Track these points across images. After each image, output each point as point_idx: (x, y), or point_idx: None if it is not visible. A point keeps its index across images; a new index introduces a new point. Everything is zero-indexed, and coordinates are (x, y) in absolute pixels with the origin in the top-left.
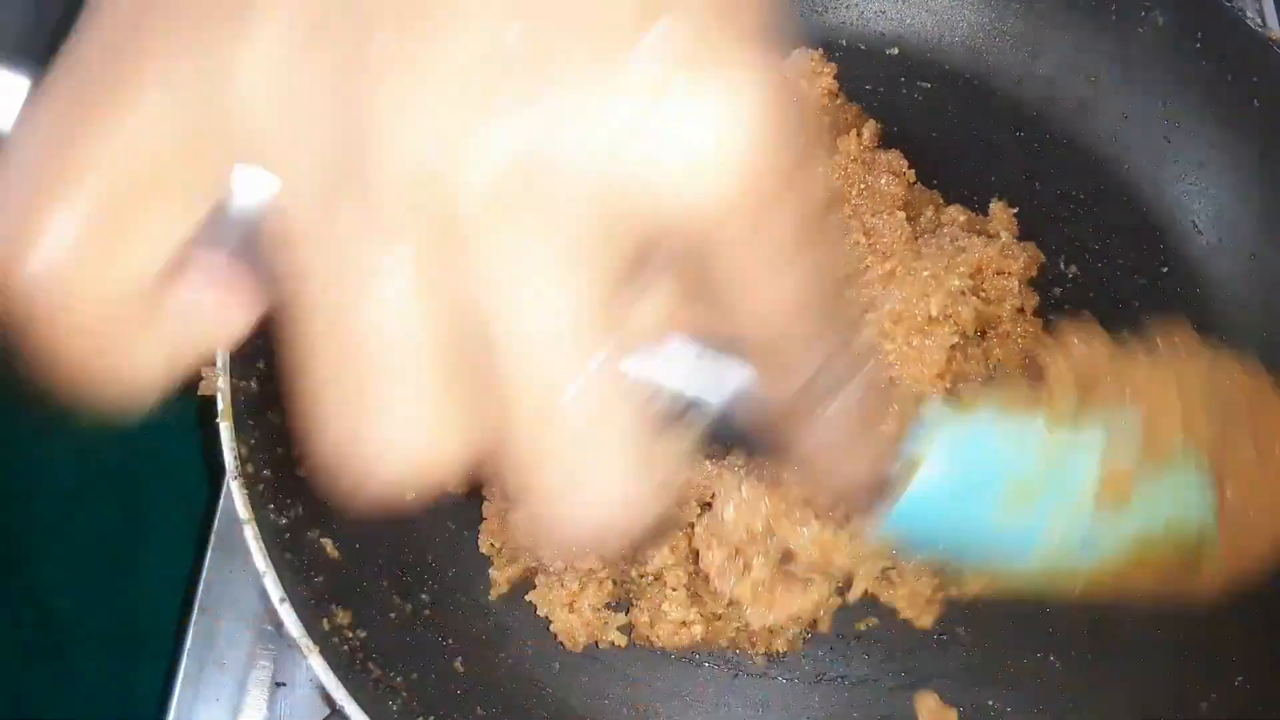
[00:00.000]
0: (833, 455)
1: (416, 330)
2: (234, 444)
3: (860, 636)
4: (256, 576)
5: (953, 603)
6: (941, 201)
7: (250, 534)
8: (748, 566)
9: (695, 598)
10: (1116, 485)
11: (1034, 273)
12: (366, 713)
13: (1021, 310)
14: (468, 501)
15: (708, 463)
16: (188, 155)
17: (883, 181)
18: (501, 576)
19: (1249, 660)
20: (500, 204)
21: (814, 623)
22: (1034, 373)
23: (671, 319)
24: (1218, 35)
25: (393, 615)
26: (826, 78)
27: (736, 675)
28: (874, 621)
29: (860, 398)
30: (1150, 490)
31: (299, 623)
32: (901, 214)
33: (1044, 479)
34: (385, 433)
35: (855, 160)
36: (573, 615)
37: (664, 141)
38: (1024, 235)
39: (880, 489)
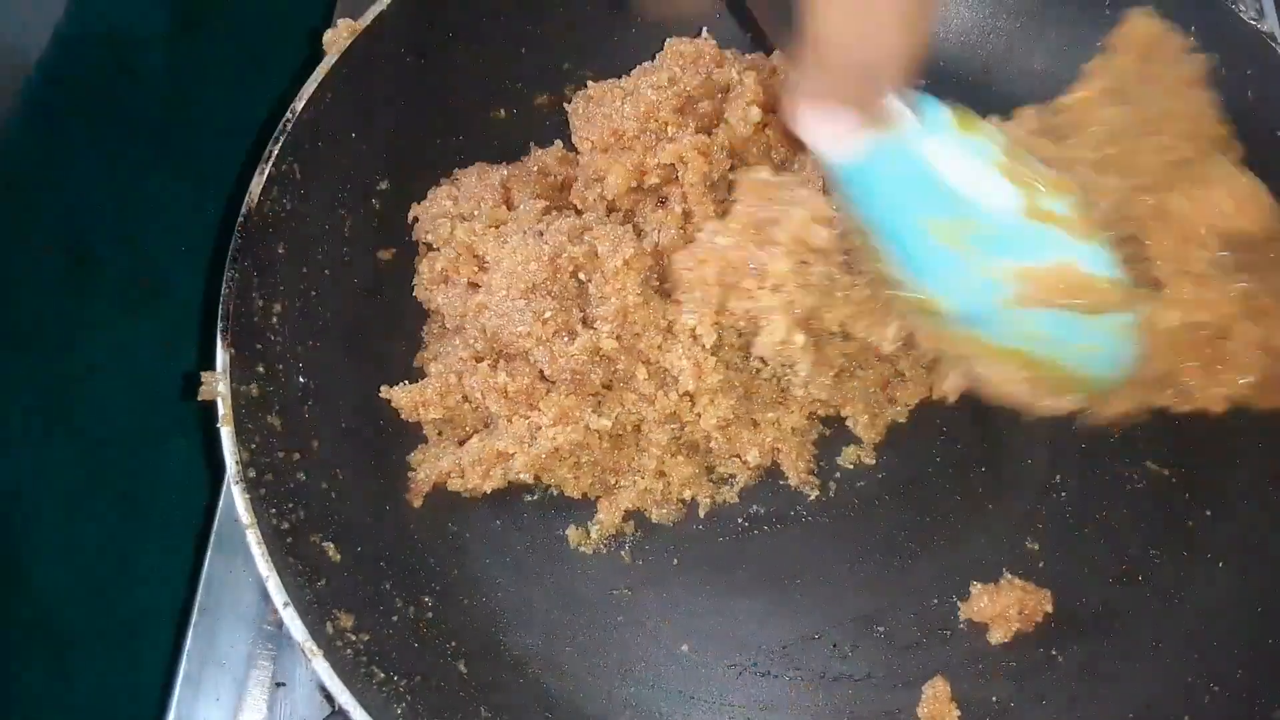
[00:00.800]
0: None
1: None
2: (235, 448)
3: (861, 635)
4: (258, 578)
5: (952, 603)
6: None
7: (253, 538)
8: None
9: None
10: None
11: None
12: (372, 717)
13: None
14: (468, 503)
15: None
16: None
17: None
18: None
19: (1250, 656)
20: None
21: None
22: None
23: None
24: (1212, 29)
25: (395, 619)
26: None
27: (740, 674)
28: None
29: None
30: (1074, 320)
31: (303, 627)
32: None
33: (985, 228)
34: None
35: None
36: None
37: None
38: None
39: (863, 114)
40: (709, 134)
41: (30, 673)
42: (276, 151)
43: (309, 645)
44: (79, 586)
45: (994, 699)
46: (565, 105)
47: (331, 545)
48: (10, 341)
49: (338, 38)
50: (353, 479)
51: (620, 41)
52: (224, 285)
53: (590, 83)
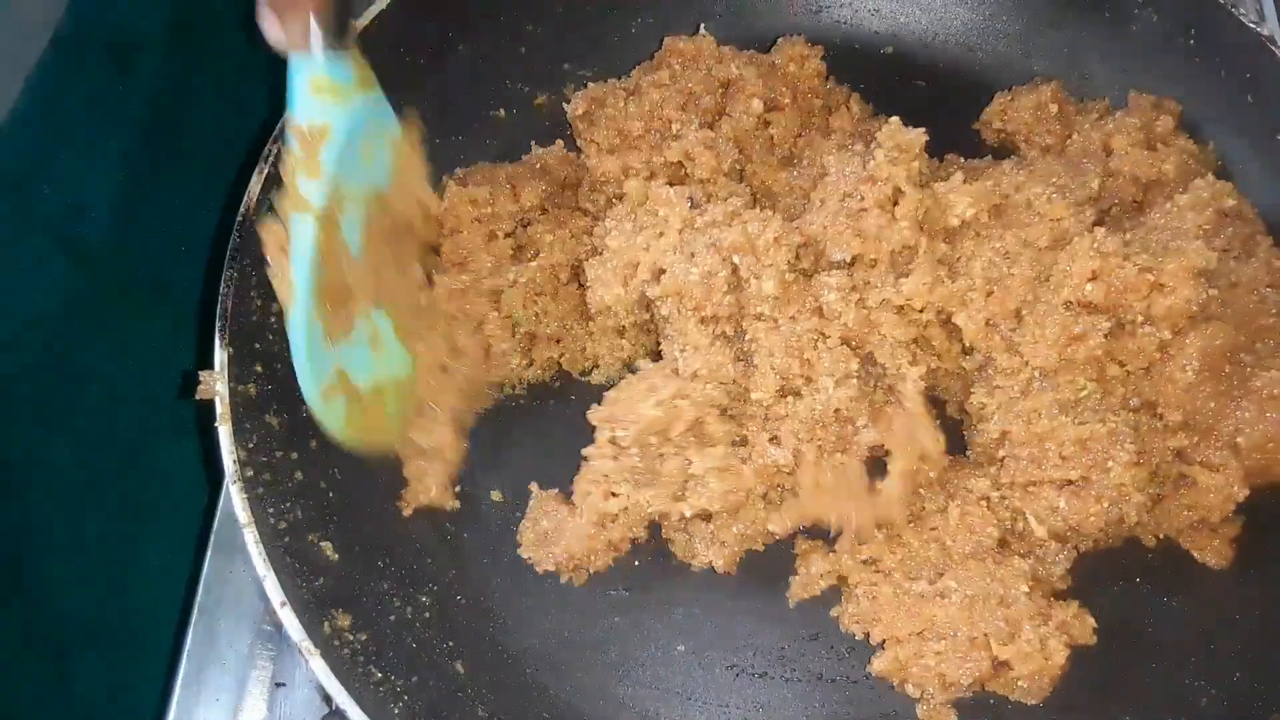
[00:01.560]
0: None
1: None
2: (233, 448)
3: (859, 637)
4: (257, 579)
5: None
6: None
7: (250, 538)
8: None
9: None
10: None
11: None
12: (370, 716)
13: None
14: (467, 504)
15: None
16: None
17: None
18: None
19: (1248, 659)
20: None
21: None
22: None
23: None
24: (1211, 32)
25: (393, 618)
26: (814, 60)
27: (737, 675)
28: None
29: None
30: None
31: (300, 626)
32: None
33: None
34: None
35: (850, 134)
36: None
37: None
38: None
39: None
40: (712, 129)
41: (30, 673)
42: (276, 150)
43: (306, 644)
44: (80, 587)
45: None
46: (565, 105)
47: (329, 544)
48: (10, 342)
49: None
50: (350, 478)
51: (620, 41)
52: (222, 284)
53: (590, 84)
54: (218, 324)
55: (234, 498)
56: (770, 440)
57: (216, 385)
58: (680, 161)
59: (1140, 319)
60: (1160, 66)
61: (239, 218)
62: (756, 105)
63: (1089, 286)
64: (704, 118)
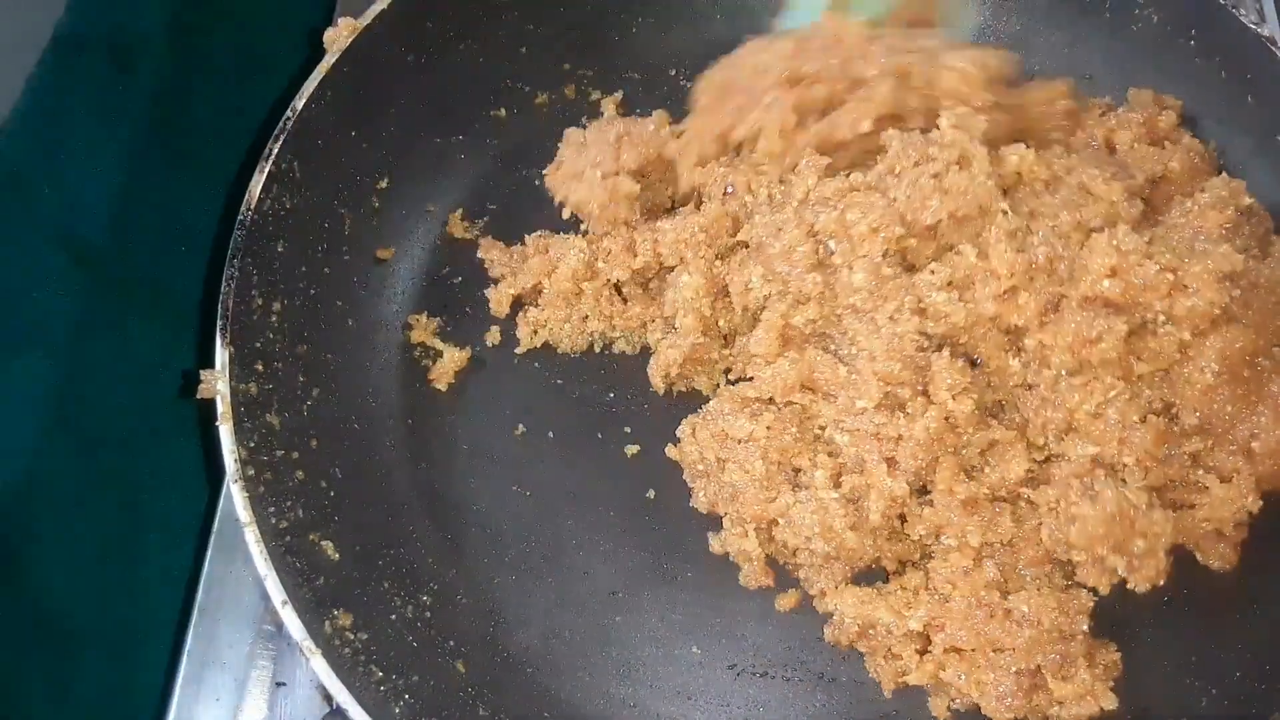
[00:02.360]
0: None
1: None
2: (234, 447)
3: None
4: (258, 579)
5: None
6: None
7: (251, 537)
8: None
9: None
10: None
11: None
12: (370, 716)
13: None
14: (466, 503)
15: None
16: None
17: None
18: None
19: (1247, 658)
20: None
21: None
22: None
23: None
24: (1212, 32)
25: (394, 617)
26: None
27: (738, 675)
28: None
29: None
30: None
31: (301, 626)
32: None
33: None
34: None
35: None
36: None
37: None
38: None
39: None
40: (803, 120)
41: (31, 673)
42: (276, 150)
43: (307, 644)
44: (80, 587)
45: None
46: (564, 105)
47: (330, 544)
48: (10, 341)
49: (338, 36)
50: (351, 478)
51: (620, 41)
52: (223, 283)
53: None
54: (219, 323)
55: (235, 497)
56: (888, 465)
57: (217, 384)
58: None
59: (1161, 318)
60: (1161, 66)
61: (240, 216)
62: (866, 126)
63: (1107, 283)
64: (803, 105)
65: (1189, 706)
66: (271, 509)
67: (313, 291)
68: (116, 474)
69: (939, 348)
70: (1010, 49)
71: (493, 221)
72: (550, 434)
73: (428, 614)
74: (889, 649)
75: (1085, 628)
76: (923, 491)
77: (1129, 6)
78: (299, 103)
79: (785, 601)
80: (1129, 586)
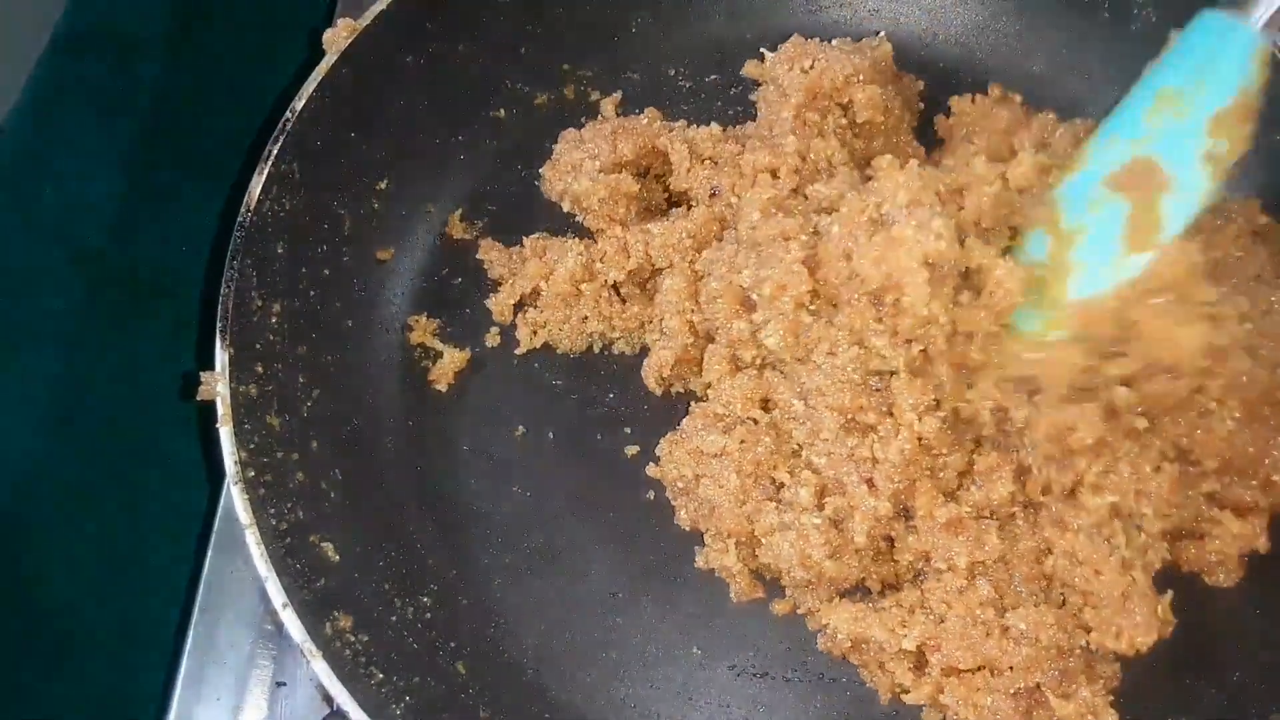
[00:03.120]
0: None
1: None
2: (234, 449)
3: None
4: (258, 579)
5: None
6: None
7: (252, 539)
8: None
9: None
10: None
11: None
12: (371, 717)
13: None
14: (467, 503)
15: None
16: None
17: None
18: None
19: (1247, 658)
20: None
21: None
22: None
23: None
24: None
25: (394, 619)
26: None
27: (739, 675)
28: None
29: None
30: None
31: (302, 628)
32: None
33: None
34: None
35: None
36: None
37: None
38: None
39: None
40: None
41: (31, 673)
42: (276, 151)
43: (308, 646)
44: (80, 587)
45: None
46: (564, 105)
47: (330, 545)
48: (11, 341)
49: (337, 37)
50: (351, 479)
51: (620, 40)
52: (223, 285)
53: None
54: (218, 324)
55: (235, 499)
56: (868, 485)
57: (218, 386)
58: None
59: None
60: None
61: (239, 217)
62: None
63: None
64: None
65: (1189, 706)
66: (272, 511)
67: (312, 293)
68: (116, 474)
69: (892, 373)
70: (1010, 49)
71: (492, 222)
72: (550, 434)
73: (428, 615)
74: (882, 664)
75: (1084, 642)
76: (907, 515)
77: (1128, 6)
78: (298, 104)
79: (781, 607)
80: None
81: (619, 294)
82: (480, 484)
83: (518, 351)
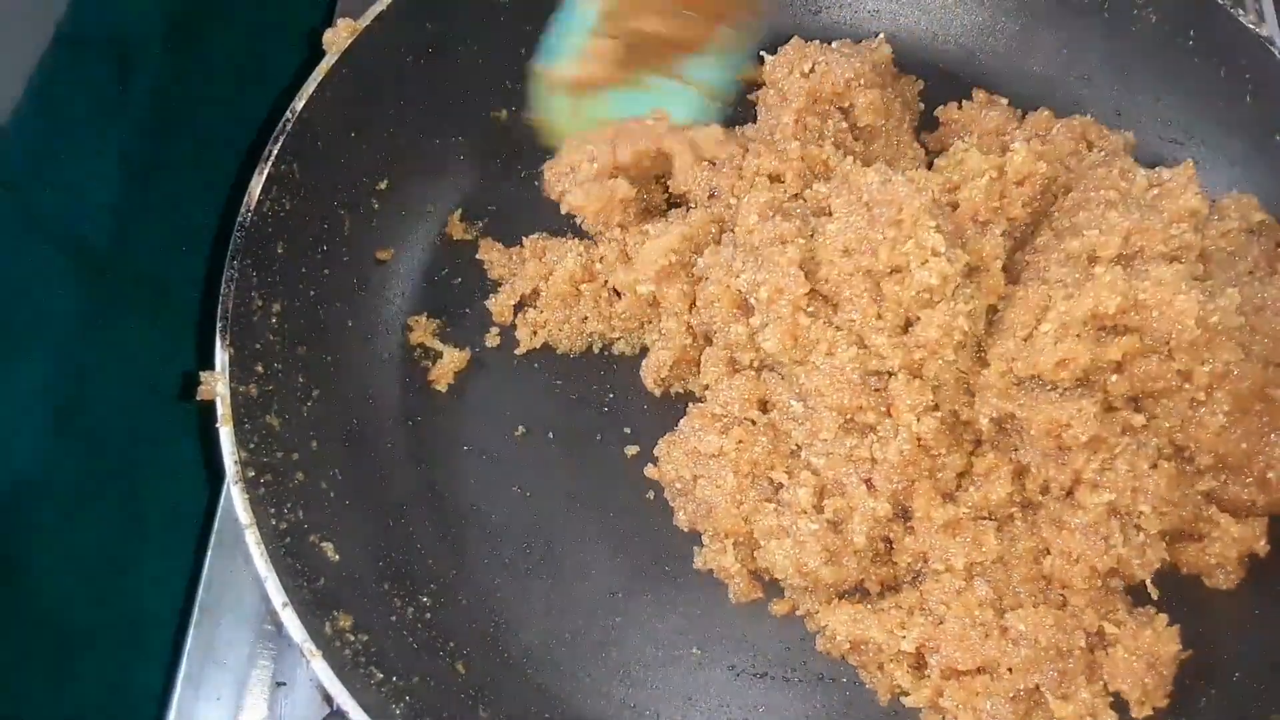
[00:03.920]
0: None
1: None
2: (234, 449)
3: None
4: (258, 578)
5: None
6: None
7: (252, 539)
8: None
9: None
10: None
11: None
12: (371, 717)
13: None
14: (467, 503)
15: None
16: None
17: None
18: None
19: (1247, 658)
20: None
21: None
22: None
23: None
24: (1210, 32)
25: (394, 618)
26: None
27: (738, 676)
28: None
29: None
30: None
31: (302, 627)
32: None
33: None
34: None
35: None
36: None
37: None
38: None
39: None
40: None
41: (31, 673)
42: (276, 151)
43: (308, 645)
44: (80, 586)
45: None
46: None
47: (330, 545)
48: (11, 341)
49: (337, 37)
50: (351, 479)
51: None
52: (223, 285)
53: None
54: (218, 324)
55: (235, 499)
56: (867, 486)
57: (218, 386)
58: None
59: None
60: (1160, 67)
61: (239, 218)
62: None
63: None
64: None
65: (1189, 706)
66: (272, 510)
67: (312, 293)
68: (116, 474)
69: (890, 373)
70: (1010, 49)
71: (492, 222)
72: (550, 435)
73: (428, 615)
74: (881, 664)
75: (1083, 643)
76: (905, 515)
77: (1127, 6)
78: (298, 104)
79: (780, 607)
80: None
81: (619, 294)
82: (480, 484)
83: (518, 352)
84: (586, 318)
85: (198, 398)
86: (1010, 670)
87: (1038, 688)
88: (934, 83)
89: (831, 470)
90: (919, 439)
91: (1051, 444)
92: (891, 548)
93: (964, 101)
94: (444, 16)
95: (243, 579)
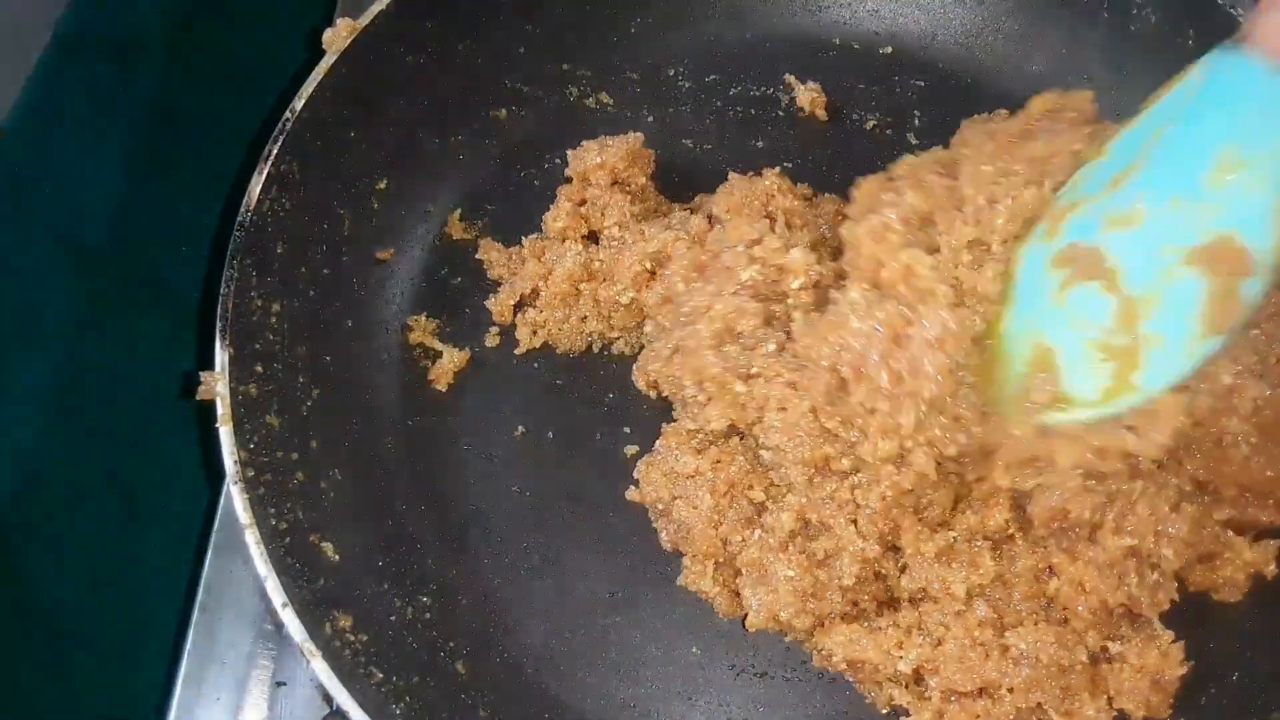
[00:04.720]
0: None
1: None
2: (234, 449)
3: None
4: (258, 578)
5: None
6: None
7: (251, 539)
8: None
9: None
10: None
11: None
12: (370, 717)
13: None
14: (466, 503)
15: None
16: None
17: None
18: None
19: (1246, 657)
20: None
21: None
22: None
23: None
24: (1211, 31)
25: (394, 619)
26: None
27: (739, 675)
28: None
29: None
30: None
31: (302, 628)
32: None
33: None
34: None
35: None
36: None
37: None
38: None
39: None
40: None
41: (30, 673)
42: (276, 151)
43: (308, 645)
44: (79, 586)
45: None
46: (563, 105)
47: (330, 545)
48: (11, 341)
49: (337, 37)
50: (351, 478)
51: (619, 41)
52: (223, 284)
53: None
54: (218, 324)
55: (235, 498)
56: (854, 526)
57: (217, 386)
58: None
59: None
60: (1160, 66)
61: (239, 217)
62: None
63: None
64: None
65: (1189, 706)
66: (272, 510)
67: (312, 292)
68: (116, 474)
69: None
70: (1010, 49)
71: (492, 222)
72: (550, 434)
73: (428, 615)
74: (877, 683)
75: (1085, 657)
76: (897, 550)
77: (1127, 6)
78: (298, 103)
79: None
80: None
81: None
82: (480, 484)
83: (517, 351)
84: (586, 317)
85: (197, 397)
86: (1011, 690)
87: (1040, 705)
88: (934, 83)
89: (814, 512)
90: (899, 487)
91: (1056, 524)
92: (885, 579)
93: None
94: (444, 16)
95: (242, 579)
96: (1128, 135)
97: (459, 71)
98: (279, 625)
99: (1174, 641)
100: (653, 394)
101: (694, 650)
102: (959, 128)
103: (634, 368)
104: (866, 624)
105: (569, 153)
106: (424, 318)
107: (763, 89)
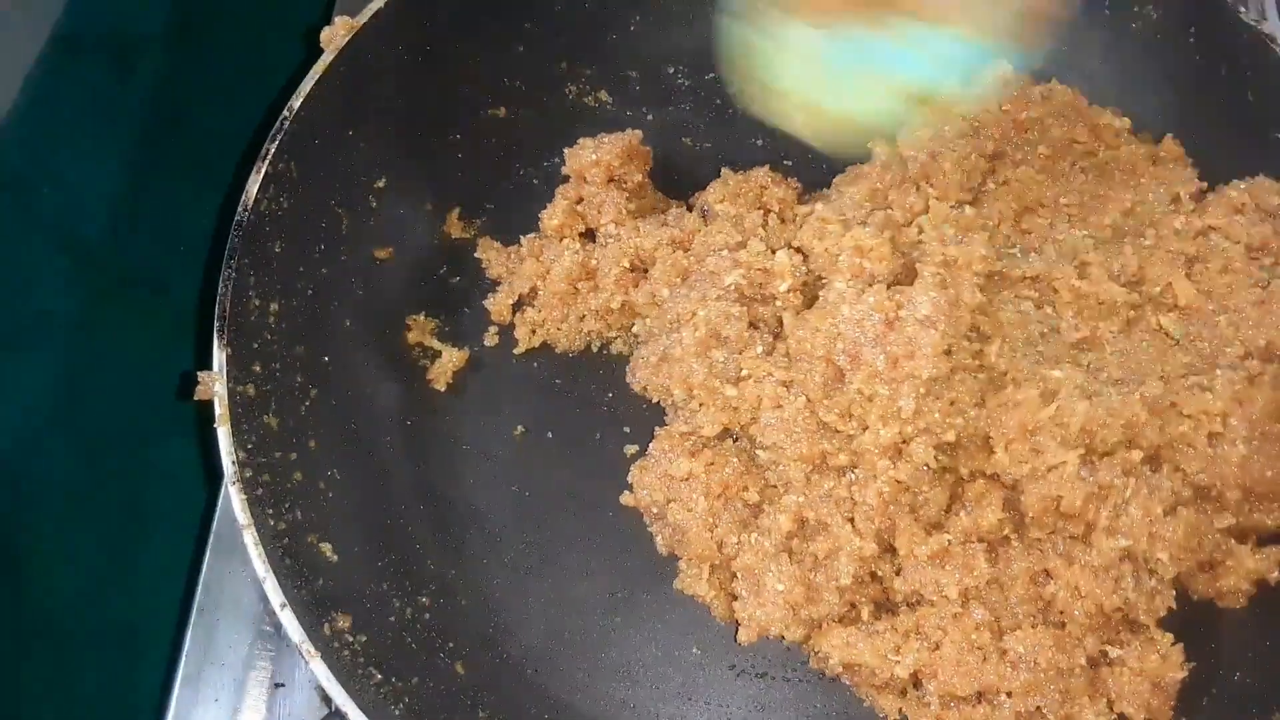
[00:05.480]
0: None
1: None
2: (232, 449)
3: None
4: (256, 579)
5: None
6: None
7: (250, 539)
8: None
9: None
10: None
11: None
12: (370, 718)
13: None
14: (466, 503)
15: None
16: None
17: None
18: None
19: (1247, 658)
20: None
21: None
22: None
23: None
24: (1211, 29)
25: (393, 619)
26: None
27: (738, 676)
28: None
29: None
30: None
31: (300, 628)
32: None
33: None
34: None
35: None
36: None
37: None
38: None
39: None
40: None
41: (30, 673)
42: (273, 150)
43: (306, 646)
44: (80, 586)
45: None
46: (563, 105)
47: (329, 545)
48: (10, 341)
49: (335, 36)
50: (350, 479)
51: (619, 40)
52: (221, 284)
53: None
54: (216, 324)
55: (233, 499)
56: (851, 525)
57: (215, 386)
58: None
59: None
60: (1161, 65)
61: (237, 217)
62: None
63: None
64: None
65: (1189, 706)
66: (270, 511)
67: (310, 292)
68: (116, 474)
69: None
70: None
71: (490, 221)
72: (549, 434)
73: (427, 615)
74: (875, 686)
75: (1083, 660)
76: (892, 550)
77: (1128, 4)
78: (296, 103)
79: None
80: None
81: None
82: (479, 484)
83: (516, 351)
84: (584, 317)
85: (195, 397)
86: (1010, 695)
87: (1040, 709)
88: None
89: (812, 511)
90: (897, 481)
91: (1050, 515)
92: (881, 581)
93: None
94: (442, 15)
95: (241, 579)
96: None
97: (457, 70)
98: (277, 626)
99: (1174, 644)
100: (653, 397)
101: (693, 650)
102: None
103: (627, 370)
104: (863, 628)
105: (565, 150)
106: (423, 317)
107: None
